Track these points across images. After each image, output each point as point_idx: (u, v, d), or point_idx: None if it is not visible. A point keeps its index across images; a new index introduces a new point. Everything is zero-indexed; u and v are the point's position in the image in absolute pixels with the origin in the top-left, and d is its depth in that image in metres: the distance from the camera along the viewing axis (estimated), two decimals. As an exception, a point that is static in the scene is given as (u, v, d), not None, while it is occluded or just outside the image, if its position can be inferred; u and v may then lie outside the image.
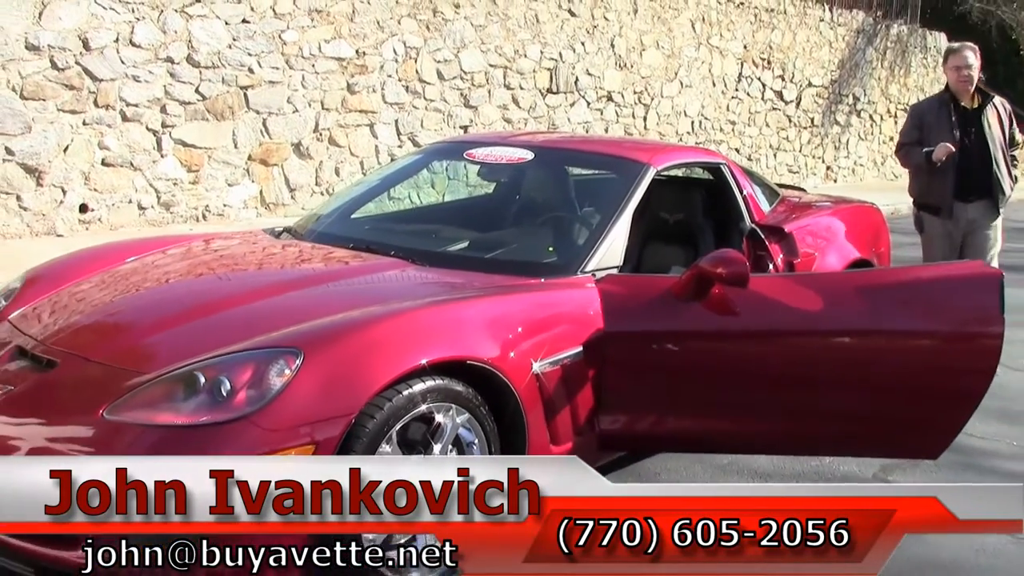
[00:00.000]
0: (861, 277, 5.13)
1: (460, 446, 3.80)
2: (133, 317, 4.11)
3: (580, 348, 4.21)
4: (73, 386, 3.67)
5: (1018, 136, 7.23)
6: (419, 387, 3.58)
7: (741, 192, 5.77)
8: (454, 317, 3.97)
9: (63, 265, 4.79)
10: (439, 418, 3.69)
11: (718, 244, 5.49)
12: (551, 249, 4.93)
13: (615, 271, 4.68)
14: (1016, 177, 7.21)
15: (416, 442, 3.69)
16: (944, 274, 4.82)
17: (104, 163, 10.47)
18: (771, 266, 5.45)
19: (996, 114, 7.08)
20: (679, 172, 6.05)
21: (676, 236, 5.79)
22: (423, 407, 3.61)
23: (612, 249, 4.73)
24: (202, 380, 3.43)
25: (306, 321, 3.75)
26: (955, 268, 5.00)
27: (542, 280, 4.48)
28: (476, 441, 3.81)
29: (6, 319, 4.24)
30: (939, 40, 23.65)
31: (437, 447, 3.70)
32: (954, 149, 6.87)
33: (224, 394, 3.38)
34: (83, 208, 10.41)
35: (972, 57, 7.04)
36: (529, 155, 5.48)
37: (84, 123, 10.27)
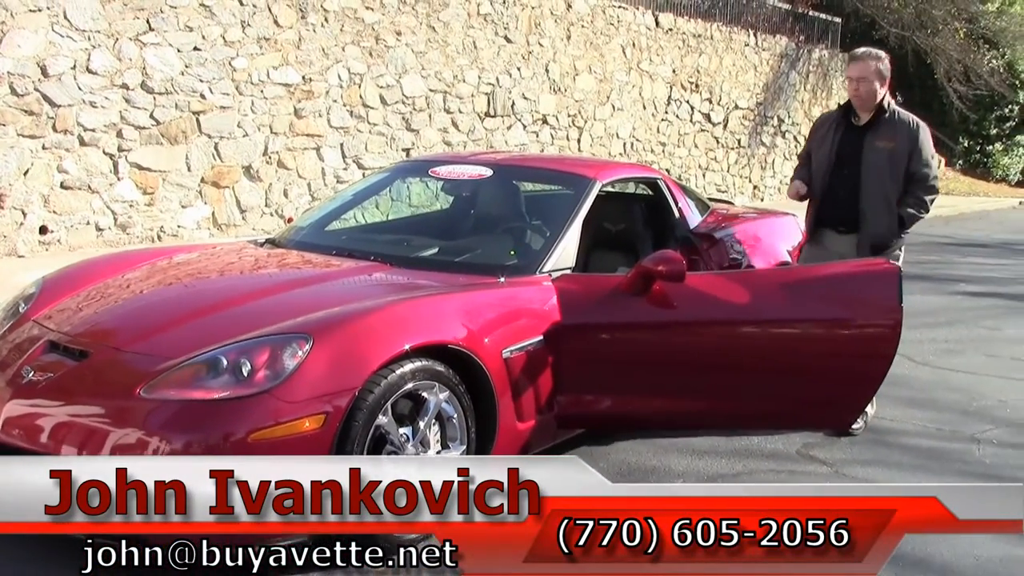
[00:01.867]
0: (780, 274, 5.76)
1: (442, 420, 4.36)
2: (152, 313, 4.59)
3: (541, 337, 4.79)
4: (108, 371, 4.14)
5: (923, 169, 5.95)
6: (408, 367, 4.14)
7: (676, 204, 6.38)
8: (434, 309, 4.53)
9: (77, 271, 5.26)
10: (425, 394, 4.24)
11: (656, 250, 6.03)
12: (512, 252, 5.47)
13: (569, 272, 5.25)
14: (907, 218, 5.94)
15: (405, 416, 4.24)
16: (851, 270, 5.38)
17: (63, 186, 10.73)
18: (703, 269, 6.05)
19: (892, 138, 5.92)
20: (621, 187, 6.62)
21: (619, 244, 6.35)
22: (411, 384, 4.16)
23: (566, 252, 5.32)
24: (225, 362, 3.94)
25: (310, 313, 4.29)
26: (860, 265, 5.50)
27: (505, 279, 5.03)
28: (455, 415, 4.37)
29: (31, 319, 4.71)
30: (858, 64, 24.38)
31: (423, 420, 4.25)
32: (802, 191, 6.16)
33: (245, 373, 3.89)
34: (43, 230, 10.65)
35: (869, 68, 5.96)
36: (488, 172, 6.09)
37: (43, 147, 10.54)
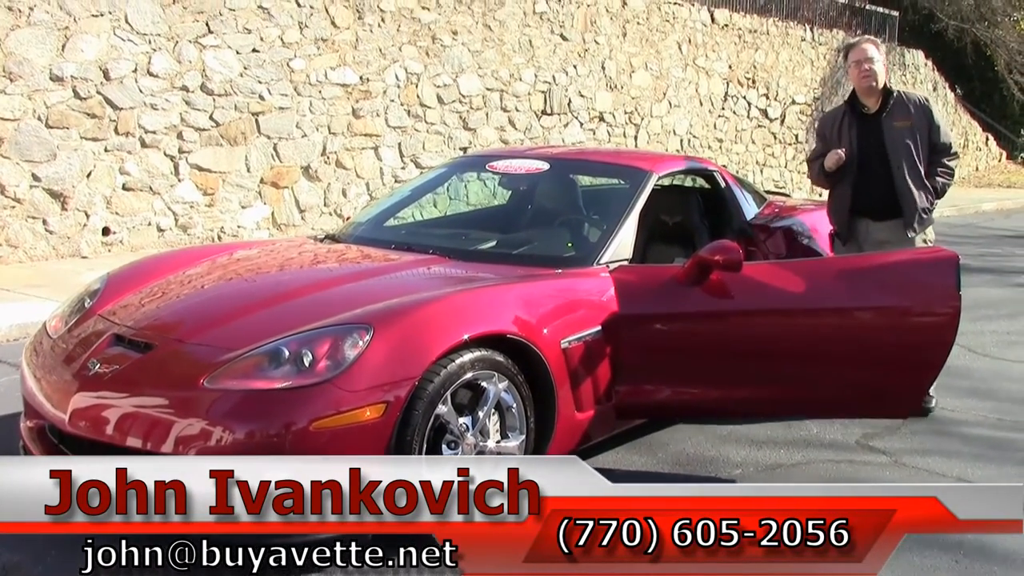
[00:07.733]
0: (837, 262, 5.70)
1: (501, 410, 4.39)
2: (214, 307, 4.66)
3: (599, 328, 4.81)
4: (172, 363, 4.20)
5: (944, 139, 6.17)
6: (468, 356, 4.17)
7: (732, 195, 6.38)
8: (492, 300, 4.57)
9: (141, 268, 5.36)
10: (484, 384, 4.27)
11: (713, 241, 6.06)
12: (570, 245, 5.51)
13: (626, 263, 5.27)
14: (940, 188, 6.16)
15: (465, 406, 4.27)
16: (908, 258, 5.35)
17: (125, 187, 10.94)
18: (761, 259, 6.05)
19: (907, 117, 6.09)
20: (679, 179, 6.64)
21: (676, 236, 6.37)
22: (470, 374, 4.19)
23: (623, 244, 5.32)
24: (286, 353, 3.98)
25: (370, 304, 4.34)
26: (918, 253, 5.48)
27: (562, 271, 5.07)
28: (515, 405, 4.39)
29: (96, 313, 4.79)
30: (916, 57, 24.21)
31: (482, 410, 4.28)
32: (843, 156, 6.11)
33: (307, 363, 3.93)
34: (105, 231, 10.88)
35: (873, 50, 6.15)
36: (545, 166, 6.12)
37: (105, 150, 10.76)
